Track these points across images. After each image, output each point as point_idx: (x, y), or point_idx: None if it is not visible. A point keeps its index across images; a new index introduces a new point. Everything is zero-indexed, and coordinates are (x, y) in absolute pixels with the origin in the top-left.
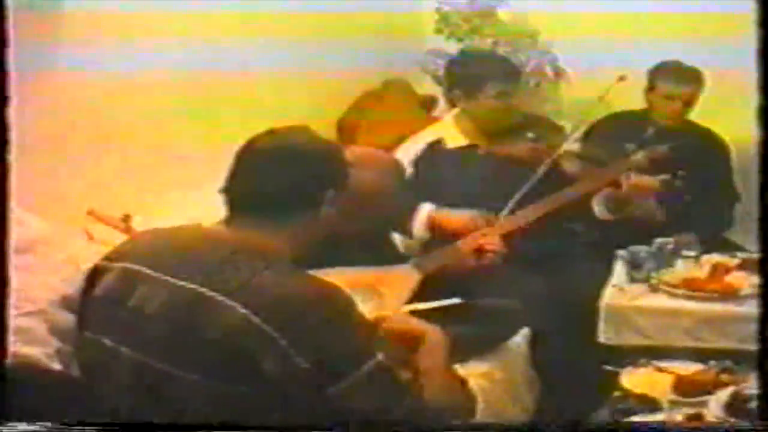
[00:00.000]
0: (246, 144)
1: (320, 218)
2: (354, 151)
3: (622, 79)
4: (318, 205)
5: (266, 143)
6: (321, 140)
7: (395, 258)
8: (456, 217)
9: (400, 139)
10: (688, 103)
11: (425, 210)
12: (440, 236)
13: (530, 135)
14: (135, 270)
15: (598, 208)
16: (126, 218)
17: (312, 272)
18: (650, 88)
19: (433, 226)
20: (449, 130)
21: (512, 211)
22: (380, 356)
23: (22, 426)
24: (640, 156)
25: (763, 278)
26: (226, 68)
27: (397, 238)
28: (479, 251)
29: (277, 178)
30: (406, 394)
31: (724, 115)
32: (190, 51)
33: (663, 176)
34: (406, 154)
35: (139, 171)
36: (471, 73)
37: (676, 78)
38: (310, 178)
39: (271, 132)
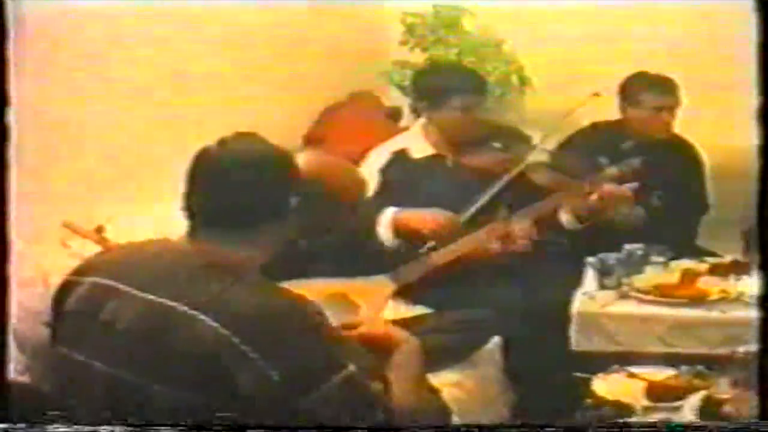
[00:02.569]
0: (197, 156)
1: (287, 225)
2: (317, 160)
3: (596, 95)
4: (283, 213)
5: (219, 155)
6: (272, 147)
7: (371, 269)
8: (419, 215)
9: (366, 151)
10: (674, 113)
11: (389, 213)
12: (406, 237)
13: (497, 145)
14: (105, 284)
15: (565, 218)
16: (99, 229)
17: (287, 284)
18: (632, 102)
19: (398, 229)
20: (416, 140)
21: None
22: (351, 367)
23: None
24: (614, 170)
25: (763, 280)
26: (191, 79)
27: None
28: (507, 237)
29: (236, 190)
30: (378, 405)
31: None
32: (160, 63)
33: (634, 184)
34: (372, 163)
35: (113, 182)
36: (436, 86)
37: (661, 89)
38: (271, 188)
39: (221, 142)
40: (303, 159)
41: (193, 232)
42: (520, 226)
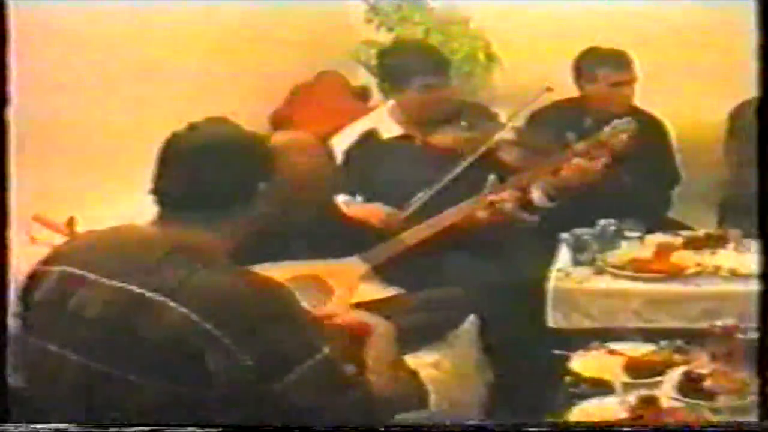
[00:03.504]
0: (167, 140)
1: (255, 212)
2: (284, 139)
3: (549, 90)
4: (251, 199)
5: (188, 139)
6: (243, 131)
7: (341, 249)
8: (359, 209)
9: (335, 131)
10: (632, 86)
11: (339, 200)
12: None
13: (464, 124)
14: (73, 273)
15: (536, 195)
16: (70, 221)
17: (256, 267)
18: (588, 78)
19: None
20: (383, 120)
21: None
22: (326, 350)
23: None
24: (582, 145)
25: (763, 267)
26: (158, 64)
27: None
28: (493, 208)
29: (205, 174)
30: (352, 388)
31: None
32: (129, 52)
33: (603, 160)
34: (340, 143)
35: (83, 173)
36: (399, 66)
37: (615, 63)
38: (240, 171)
39: (191, 127)
40: (273, 140)
41: (161, 217)
42: (506, 194)
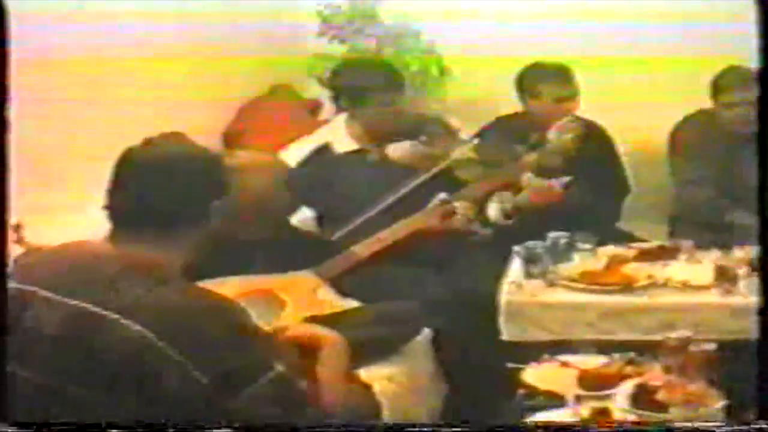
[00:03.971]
0: (122, 155)
1: (209, 230)
2: (237, 156)
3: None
4: (204, 217)
5: (142, 154)
6: (199, 148)
7: (294, 263)
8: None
9: (287, 145)
10: (576, 100)
11: (300, 215)
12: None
13: (423, 138)
14: (25, 290)
15: (493, 212)
16: (18, 228)
17: (209, 282)
18: (531, 94)
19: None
20: (338, 134)
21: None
22: (279, 367)
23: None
24: (533, 156)
25: (762, 273)
26: (109, 80)
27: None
28: (447, 216)
29: (158, 191)
30: (307, 404)
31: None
32: (83, 64)
33: (564, 179)
34: (293, 157)
35: (36, 182)
36: (354, 83)
37: (558, 79)
38: (194, 189)
39: (147, 142)
40: (231, 159)
41: (114, 234)
42: (459, 204)
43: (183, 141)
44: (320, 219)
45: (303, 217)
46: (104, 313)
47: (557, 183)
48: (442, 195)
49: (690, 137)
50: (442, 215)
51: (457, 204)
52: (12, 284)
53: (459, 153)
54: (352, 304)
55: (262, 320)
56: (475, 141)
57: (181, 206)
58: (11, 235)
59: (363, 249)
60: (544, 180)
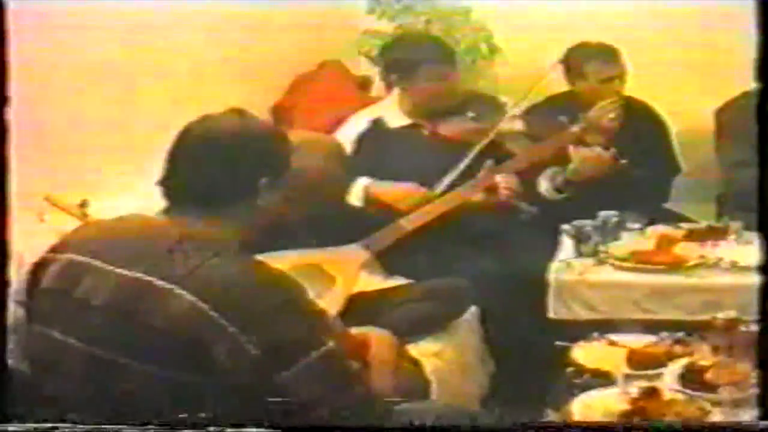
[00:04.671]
0: (180, 132)
1: (258, 207)
2: (296, 136)
3: (555, 67)
4: (253, 194)
5: (199, 131)
6: (256, 125)
7: (343, 237)
8: (391, 189)
9: (338, 121)
10: (624, 80)
11: (361, 183)
12: (374, 209)
13: (471, 114)
14: (81, 261)
15: (545, 186)
16: (83, 204)
17: (260, 257)
18: (577, 74)
19: (368, 199)
20: (391, 110)
21: (452, 187)
22: (330, 344)
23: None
24: (576, 128)
25: (763, 271)
26: (159, 55)
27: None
28: (492, 189)
29: (211, 167)
30: (355, 383)
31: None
32: (136, 39)
33: (611, 151)
34: (348, 133)
35: (98, 159)
36: (405, 58)
37: (604, 58)
38: (243, 166)
39: (204, 118)
40: (289, 137)
41: (170, 208)
42: (504, 178)
43: (241, 117)
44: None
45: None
46: (158, 283)
47: (606, 152)
48: (489, 162)
49: (735, 118)
50: (486, 188)
51: (500, 177)
52: (66, 255)
53: (507, 126)
54: (400, 280)
55: (311, 295)
56: (523, 114)
57: (229, 183)
58: (75, 210)
59: (410, 222)
60: (592, 149)
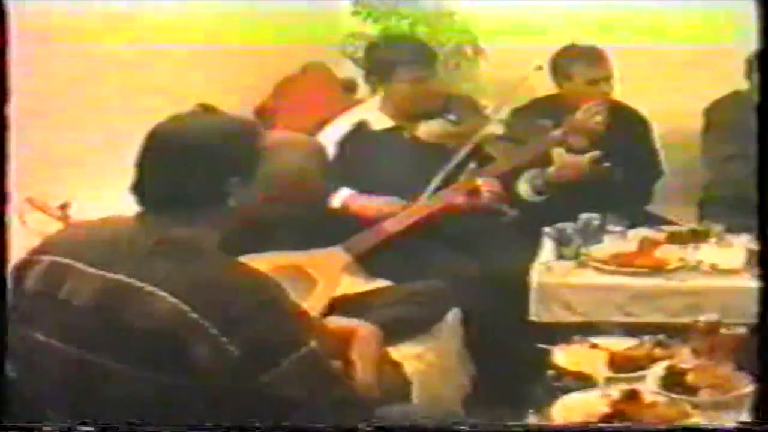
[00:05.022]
0: (148, 134)
1: (229, 208)
2: (275, 136)
3: (539, 68)
4: (225, 195)
5: (165, 132)
6: (225, 123)
7: (326, 241)
8: (369, 203)
9: (321, 123)
10: (610, 82)
11: (340, 196)
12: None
13: (452, 117)
14: (63, 263)
15: (524, 189)
16: (64, 206)
17: (242, 258)
18: (564, 76)
19: (346, 212)
20: (374, 112)
21: (434, 193)
22: (312, 344)
23: None
24: (559, 132)
25: (763, 269)
26: (144, 57)
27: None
28: (474, 193)
29: (179, 169)
30: (337, 383)
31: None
32: (117, 45)
33: (591, 154)
34: (331, 135)
35: (77, 159)
36: (387, 59)
37: (590, 60)
38: (212, 166)
39: (171, 119)
40: (267, 139)
41: (144, 213)
42: (485, 181)
43: (210, 115)
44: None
45: (346, 192)
46: (140, 284)
47: (586, 156)
48: (471, 166)
49: (725, 115)
50: (467, 193)
51: (481, 181)
52: (48, 257)
53: (489, 130)
54: (383, 283)
55: (293, 297)
56: (505, 118)
57: (202, 183)
58: (55, 212)
59: (391, 225)
60: (573, 155)
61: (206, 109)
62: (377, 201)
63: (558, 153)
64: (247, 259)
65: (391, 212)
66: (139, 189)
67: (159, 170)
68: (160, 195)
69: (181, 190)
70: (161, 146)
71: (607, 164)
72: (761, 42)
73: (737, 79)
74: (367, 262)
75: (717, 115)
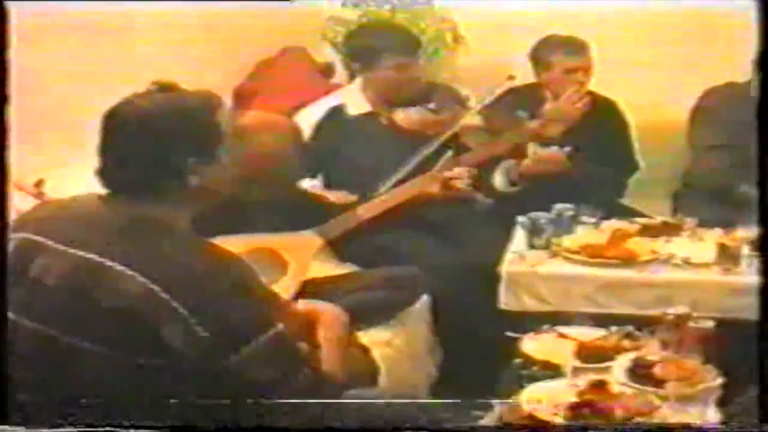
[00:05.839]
0: (104, 116)
1: (192, 187)
2: (249, 116)
3: (511, 78)
4: (184, 174)
5: (121, 113)
6: (183, 101)
7: (298, 224)
8: (329, 196)
9: (299, 106)
10: (589, 73)
11: (305, 185)
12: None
13: (431, 106)
14: (35, 241)
15: (499, 179)
16: (39, 183)
17: (215, 240)
18: (543, 65)
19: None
20: (352, 97)
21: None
22: (280, 326)
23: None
24: (535, 124)
25: (763, 253)
26: (128, 36)
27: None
28: (447, 184)
29: (136, 150)
30: (305, 365)
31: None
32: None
33: (567, 148)
34: (307, 118)
35: (54, 134)
36: (368, 45)
37: (570, 50)
38: (168, 146)
39: (127, 99)
40: (241, 119)
41: (112, 195)
42: (460, 170)
43: (167, 93)
44: (328, 184)
45: (312, 183)
46: (111, 264)
47: (561, 151)
48: (448, 154)
49: (715, 105)
50: (441, 182)
51: (456, 170)
52: (20, 234)
53: (467, 120)
54: (353, 268)
55: (266, 280)
56: (483, 109)
57: (160, 164)
58: (32, 190)
59: (365, 211)
60: (547, 148)
61: (163, 87)
62: (329, 193)
63: (533, 149)
64: (220, 241)
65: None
66: (101, 173)
67: (117, 152)
68: (122, 177)
69: (141, 171)
70: (116, 128)
71: (582, 154)
72: (761, 42)
73: (729, 72)
74: (338, 247)
75: (708, 103)
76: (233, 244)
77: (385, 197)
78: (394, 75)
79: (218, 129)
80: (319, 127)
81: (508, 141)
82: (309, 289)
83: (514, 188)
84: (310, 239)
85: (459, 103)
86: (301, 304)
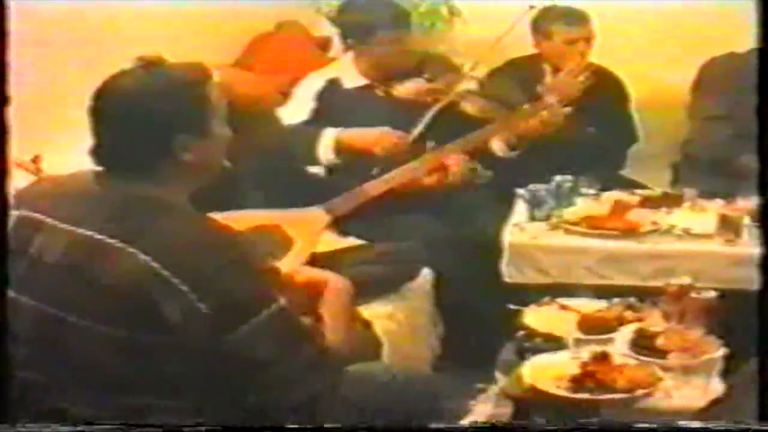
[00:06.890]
0: (93, 94)
1: (186, 163)
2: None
3: (532, 8)
4: (176, 150)
5: (107, 91)
6: (169, 76)
7: (305, 200)
8: (367, 134)
9: (295, 80)
10: (590, 44)
11: (330, 134)
12: (349, 157)
13: (426, 76)
14: (33, 218)
15: (497, 145)
16: (36, 159)
17: (221, 216)
18: (544, 35)
19: (340, 149)
20: (347, 70)
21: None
22: (281, 301)
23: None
24: (551, 99)
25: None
26: (123, 12)
27: None
28: (440, 170)
29: (126, 127)
30: (307, 340)
31: None
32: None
33: (565, 110)
34: (307, 89)
35: (50, 109)
36: (362, 21)
37: (571, 20)
38: (156, 122)
39: (113, 77)
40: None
41: (107, 173)
42: (453, 158)
43: (155, 69)
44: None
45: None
46: (110, 241)
47: (560, 108)
48: (432, 145)
49: (717, 75)
50: (431, 170)
51: (449, 158)
52: (18, 211)
53: (464, 87)
54: (357, 241)
55: (269, 256)
56: (480, 75)
57: (150, 141)
58: (29, 167)
59: (373, 188)
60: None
61: (149, 62)
62: (370, 131)
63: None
64: (226, 217)
65: (387, 140)
66: (95, 152)
67: (108, 131)
68: (115, 156)
69: (133, 150)
70: (104, 107)
71: (589, 128)
72: (761, 42)
73: (728, 42)
74: (341, 221)
75: (710, 73)
76: (239, 220)
77: (392, 174)
78: (389, 48)
79: (208, 100)
80: (321, 97)
81: (527, 116)
82: (311, 263)
83: (513, 153)
84: (317, 216)
85: (453, 72)
86: (307, 272)
